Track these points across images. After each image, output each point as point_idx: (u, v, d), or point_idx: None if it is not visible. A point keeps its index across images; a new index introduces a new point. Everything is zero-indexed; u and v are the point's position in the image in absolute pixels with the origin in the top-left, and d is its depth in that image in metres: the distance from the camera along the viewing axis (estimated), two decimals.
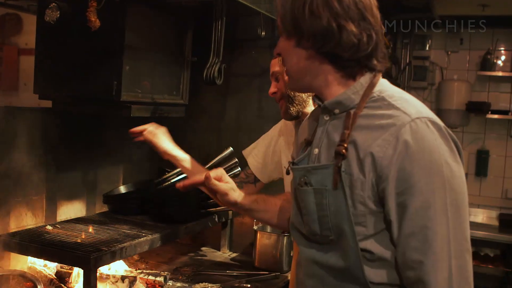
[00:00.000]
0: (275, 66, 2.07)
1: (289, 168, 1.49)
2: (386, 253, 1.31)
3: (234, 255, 3.05)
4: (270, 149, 2.36)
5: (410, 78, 5.21)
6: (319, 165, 1.37)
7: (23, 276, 2.19)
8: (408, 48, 5.27)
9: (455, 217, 1.24)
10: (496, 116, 4.90)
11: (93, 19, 2.12)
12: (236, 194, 1.71)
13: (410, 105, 1.31)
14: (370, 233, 1.30)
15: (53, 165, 2.58)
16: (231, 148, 2.75)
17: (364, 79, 1.37)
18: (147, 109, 2.56)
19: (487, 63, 4.99)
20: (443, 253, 1.23)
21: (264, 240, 2.79)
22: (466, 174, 4.93)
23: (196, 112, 3.12)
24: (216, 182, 1.69)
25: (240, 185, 2.21)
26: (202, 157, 2.80)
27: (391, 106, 1.31)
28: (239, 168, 2.75)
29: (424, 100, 5.25)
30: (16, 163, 2.41)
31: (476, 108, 4.93)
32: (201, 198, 2.67)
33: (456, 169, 1.27)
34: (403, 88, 5.22)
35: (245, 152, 2.53)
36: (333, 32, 1.29)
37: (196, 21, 2.84)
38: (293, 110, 2.02)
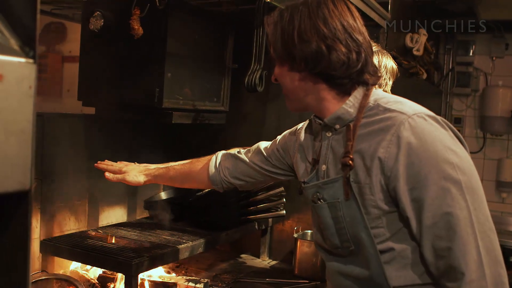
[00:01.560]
0: None
1: (301, 188, 1.55)
2: (407, 250, 1.35)
3: (273, 262, 3.02)
4: None
5: (453, 85, 5.11)
6: (328, 180, 1.43)
7: (66, 280, 2.22)
8: (451, 54, 5.17)
9: (473, 199, 1.27)
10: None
11: (136, 27, 2.14)
12: (137, 177, 2.08)
13: (405, 106, 1.37)
14: (388, 235, 1.36)
15: (96, 170, 2.61)
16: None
17: (358, 93, 1.43)
18: (188, 116, 2.58)
19: None
20: (469, 236, 1.25)
21: (304, 248, 2.76)
22: (510, 183, 4.86)
23: (237, 119, 3.12)
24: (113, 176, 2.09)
25: None
26: None
27: (387, 110, 1.37)
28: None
29: (467, 107, 5.14)
30: (59, 169, 2.46)
31: None
32: (241, 205, 2.67)
33: (462, 153, 1.32)
34: (446, 95, 5.15)
35: None
36: (322, 53, 1.36)
37: (236, 27, 2.84)
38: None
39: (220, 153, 2.02)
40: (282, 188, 2.76)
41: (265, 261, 3.03)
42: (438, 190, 1.27)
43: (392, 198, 1.33)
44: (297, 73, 1.43)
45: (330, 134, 1.47)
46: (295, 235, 2.82)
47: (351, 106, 1.42)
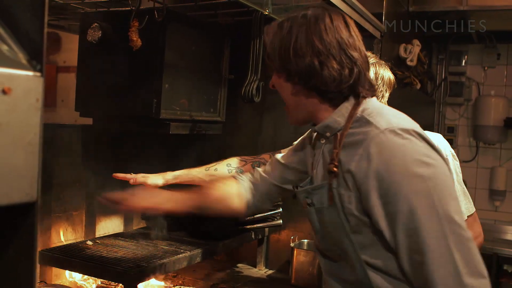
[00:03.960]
0: None
1: (295, 192, 1.60)
2: (388, 260, 1.36)
3: (270, 272, 3.03)
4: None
5: (446, 94, 5.16)
6: (316, 185, 1.47)
7: None
8: (443, 64, 5.22)
9: (445, 212, 1.27)
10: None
11: (134, 38, 2.16)
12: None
13: (382, 119, 1.38)
14: (368, 242, 1.38)
15: (92, 181, 2.62)
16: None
17: (348, 103, 1.46)
18: (185, 126, 2.59)
19: None
20: (442, 249, 1.25)
21: (301, 257, 2.77)
22: (505, 191, 4.91)
23: (233, 129, 3.14)
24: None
25: (257, 164, 2.20)
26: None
27: (367, 122, 1.39)
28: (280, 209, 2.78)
29: (460, 116, 5.19)
30: (56, 179, 2.46)
31: None
32: None
33: (435, 162, 1.32)
34: (439, 104, 5.19)
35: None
36: (315, 69, 1.39)
37: (233, 39, 2.87)
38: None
39: (246, 179, 1.92)
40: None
41: (261, 271, 3.04)
42: (410, 205, 1.27)
43: (365, 210, 1.35)
44: (292, 85, 1.47)
45: (324, 141, 1.52)
46: (292, 245, 2.83)
47: (340, 115, 1.45)
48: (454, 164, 2.06)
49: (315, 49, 1.39)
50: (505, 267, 4.43)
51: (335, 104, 1.47)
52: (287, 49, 1.43)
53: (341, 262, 1.48)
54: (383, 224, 1.31)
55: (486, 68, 5.14)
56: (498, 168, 4.91)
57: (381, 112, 1.42)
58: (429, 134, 2.10)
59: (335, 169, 1.39)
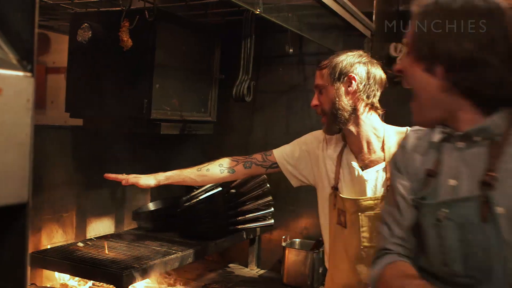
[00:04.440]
0: (319, 78, 2.00)
1: (414, 203, 1.30)
2: None
3: (262, 271, 3.03)
4: (308, 156, 2.18)
5: None
6: (462, 198, 1.20)
7: None
8: None
9: None
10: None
11: (125, 38, 2.15)
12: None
13: None
14: None
15: (83, 182, 2.61)
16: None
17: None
18: (176, 126, 2.58)
19: None
20: None
21: (292, 256, 2.78)
22: None
23: (224, 129, 3.13)
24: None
25: (248, 164, 2.19)
26: None
27: None
28: (269, 185, 2.76)
29: None
30: (47, 181, 2.45)
31: None
32: (230, 215, 2.68)
33: None
34: None
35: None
36: (474, 64, 1.15)
37: (223, 38, 2.86)
38: (335, 127, 1.98)
39: None
40: (270, 198, 2.78)
41: (253, 270, 3.04)
42: None
43: None
44: (434, 80, 1.20)
45: (463, 145, 1.23)
46: (284, 244, 2.83)
47: (502, 118, 1.19)
48: None
49: (478, 41, 1.13)
50: None
51: (488, 112, 1.19)
52: (443, 34, 1.15)
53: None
54: None
55: None
56: None
57: None
58: None
59: (493, 181, 1.15)
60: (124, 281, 2.02)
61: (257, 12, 2.03)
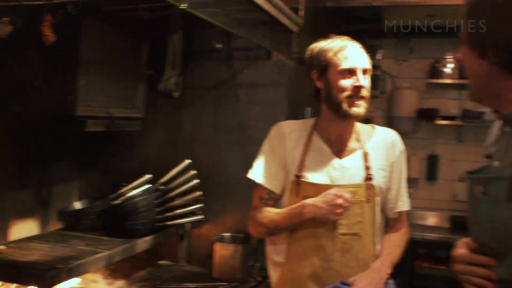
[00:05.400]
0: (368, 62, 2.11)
1: (465, 178, 1.43)
2: None
3: (192, 267, 3.04)
4: (278, 161, 2.15)
5: None
6: (496, 176, 1.31)
7: None
8: None
9: None
10: (444, 122, 5.06)
11: (48, 33, 2.08)
12: None
13: None
14: None
15: (3, 183, 2.51)
16: (188, 161, 2.76)
17: None
18: (102, 123, 2.53)
19: (435, 71, 5.15)
20: None
21: (222, 251, 2.79)
22: (418, 179, 5.15)
23: (152, 125, 3.10)
24: None
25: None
26: (160, 169, 2.80)
27: None
28: (198, 180, 2.76)
29: (376, 109, 5.37)
30: None
31: (426, 115, 5.08)
32: (158, 211, 2.66)
33: None
34: None
35: (258, 178, 2.17)
36: None
37: (153, 33, 2.83)
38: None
39: None
40: (201, 192, 2.77)
41: (183, 267, 3.03)
42: None
43: None
44: (486, 64, 1.29)
45: (510, 129, 1.32)
46: (213, 239, 2.85)
47: None
48: None
49: None
50: (419, 250, 4.66)
51: None
52: (494, 19, 1.25)
53: (498, 260, 1.30)
54: None
55: (399, 61, 5.35)
56: (412, 157, 5.12)
57: None
58: (386, 131, 2.20)
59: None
60: (48, 282, 1.97)
61: (182, 7, 2.02)
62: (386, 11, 4.32)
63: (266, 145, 2.17)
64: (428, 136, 5.27)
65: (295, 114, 2.98)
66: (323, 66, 2.04)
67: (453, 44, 5.16)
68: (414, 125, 5.15)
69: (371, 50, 5.27)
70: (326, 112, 2.09)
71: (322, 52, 2.06)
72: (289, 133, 2.13)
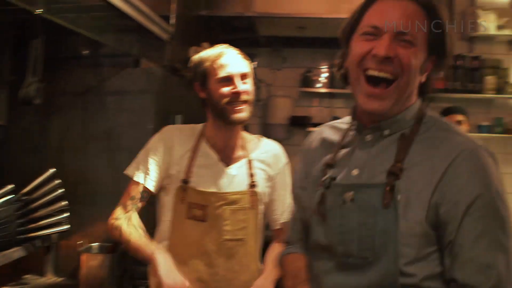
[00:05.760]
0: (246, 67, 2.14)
1: (323, 184, 1.40)
2: (430, 279, 1.26)
3: (60, 279, 2.93)
4: (160, 162, 2.13)
5: None
6: (369, 184, 1.31)
7: None
8: None
9: None
10: (316, 129, 5.26)
11: None
12: None
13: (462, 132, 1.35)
14: (413, 256, 1.25)
15: None
16: (52, 170, 2.67)
17: (417, 103, 1.37)
18: None
19: (307, 80, 5.39)
20: None
21: (89, 261, 2.73)
22: None
23: (17, 134, 2.97)
24: None
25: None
26: (25, 179, 2.68)
27: (447, 130, 1.33)
28: (63, 189, 2.68)
29: (253, 116, 5.49)
30: None
31: (298, 122, 5.30)
32: (19, 223, 2.55)
33: None
34: None
35: (135, 174, 2.16)
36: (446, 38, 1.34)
37: (16, 38, 2.71)
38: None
39: None
40: (66, 202, 2.69)
41: (50, 279, 2.92)
42: None
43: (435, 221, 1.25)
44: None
45: (371, 138, 1.38)
46: (80, 249, 2.78)
47: (411, 113, 1.37)
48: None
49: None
50: None
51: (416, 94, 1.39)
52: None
53: (365, 271, 1.28)
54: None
55: (274, 70, 5.53)
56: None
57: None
58: (271, 143, 2.25)
59: (399, 171, 1.26)
60: None
61: (37, 13, 1.97)
62: (259, 21, 4.46)
63: (150, 145, 2.16)
64: (301, 142, 5.44)
65: (164, 122, 2.98)
66: (203, 76, 2.07)
67: (324, 54, 5.44)
68: (288, 132, 5.34)
69: (246, 59, 5.45)
70: (212, 119, 2.13)
71: (200, 63, 2.10)
72: (177, 136, 2.14)
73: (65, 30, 2.72)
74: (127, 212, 2.11)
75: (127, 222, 2.08)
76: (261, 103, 5.51)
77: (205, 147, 2.11)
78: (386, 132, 1.34)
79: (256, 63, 5.50)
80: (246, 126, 5.36)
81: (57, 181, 2.67)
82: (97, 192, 2.96)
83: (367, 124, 1.38)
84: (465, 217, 1.21)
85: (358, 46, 1.33)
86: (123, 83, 2.99)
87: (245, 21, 4.45)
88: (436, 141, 1.29)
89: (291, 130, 5.36)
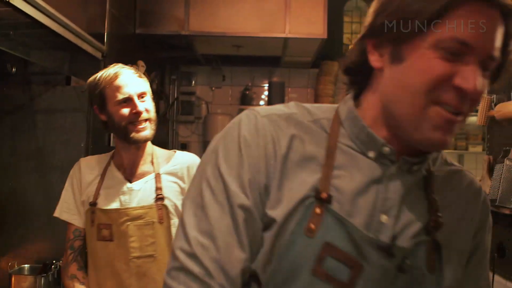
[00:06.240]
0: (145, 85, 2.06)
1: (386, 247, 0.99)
2: None
3: None
4: (77, 196, 2.12)
5: (178, 113, 5.46)
6: (419, 241, 0.96)
7: None
8: (175, 84, 5.51)
9: None
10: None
11: None
12: None
13: None
14: None
15: None
16: None
17: None
18: None
19: (246, 98, 5.45)
20: None
21: (20, 283, 2.67)
22: None
23: None
24: None
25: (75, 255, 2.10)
26: None
27: (450, 164, 1.10)
28: None
29: (192, 133, 5.52)
30: None
31: None
32: None
33: None
34: (172, 122, 5.46)
35: (61, 214, 2.12)
36: None
37: None
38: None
39: None
40: None
41: None
42: None
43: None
44: None
45: (395, 170, 0.97)
46: (11, 271, 2.71)
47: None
48: None
49: None
50: None
51: None
52: None
53: None
54: None
55: (213, 88, 5.59)
56: None
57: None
58: (186, 155, 2.23)
59: (440, 221, 0.97)
60: None
61: None
62: (196, 40, 4.50)
63: (67, 182, 2.14)
64: None
65: (96, 140, 2.97)
66: (101, 100, 2.03)
67: (261, 72, 5.53)
68: None
69: (186, 77, 5.50)
70: (117, 141, 2.12)
71: (96, 86, 2.05)
72: (85, 166, 2.12)
73: None
74: (68, 260, 2.09)
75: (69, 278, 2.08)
76: (201, 120, 5.54)
77: (112, 169, 2.10)
78: (416, 167, 0.99)
79: (195, 81, 5.55)
80: (185, 144, 5.43)
81: None
82: (28, 212, 2.90)
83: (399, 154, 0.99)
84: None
85: (434, 66, 0.87)
86: (53, 101, 2.96)
87: (183, 40, 4.48)
88: (447, 178, 1.05)
89: None
